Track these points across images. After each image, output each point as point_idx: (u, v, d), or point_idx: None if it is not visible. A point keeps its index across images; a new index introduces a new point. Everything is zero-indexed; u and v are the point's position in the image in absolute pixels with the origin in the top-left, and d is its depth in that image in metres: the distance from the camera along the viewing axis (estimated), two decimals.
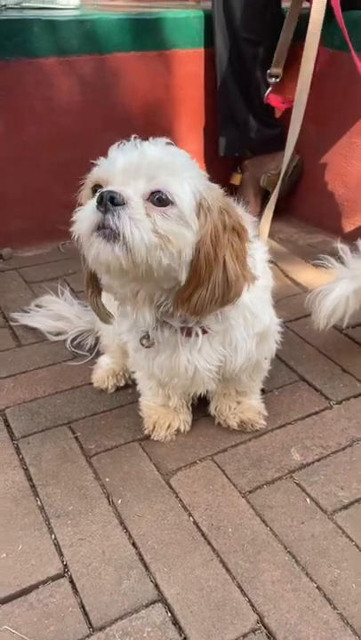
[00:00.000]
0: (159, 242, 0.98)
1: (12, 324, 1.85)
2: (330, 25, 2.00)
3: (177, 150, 1.06)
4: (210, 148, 2.56)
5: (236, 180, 2.58)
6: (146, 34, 2.24)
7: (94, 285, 1.17)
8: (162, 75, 2.35)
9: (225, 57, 2.30)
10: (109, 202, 0.95)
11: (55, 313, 1.82)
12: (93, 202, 0.98)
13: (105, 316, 1.19)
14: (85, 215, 1.00)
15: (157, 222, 0.98)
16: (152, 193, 0.98)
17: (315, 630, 1.01)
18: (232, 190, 2.56)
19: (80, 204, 1.08)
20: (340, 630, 1.01)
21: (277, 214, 2.52)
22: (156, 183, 0.98)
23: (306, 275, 2.17)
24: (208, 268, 1.04)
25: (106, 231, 0.97)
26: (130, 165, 0.99)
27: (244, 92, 2.35)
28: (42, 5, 2.20)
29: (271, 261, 1.44)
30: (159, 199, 0.98)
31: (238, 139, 2.44)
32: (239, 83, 2.33)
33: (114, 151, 1.04)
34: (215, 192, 1.06)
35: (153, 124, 2.42)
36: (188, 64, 2.38)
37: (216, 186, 1.08)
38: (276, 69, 2.15)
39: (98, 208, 0.96)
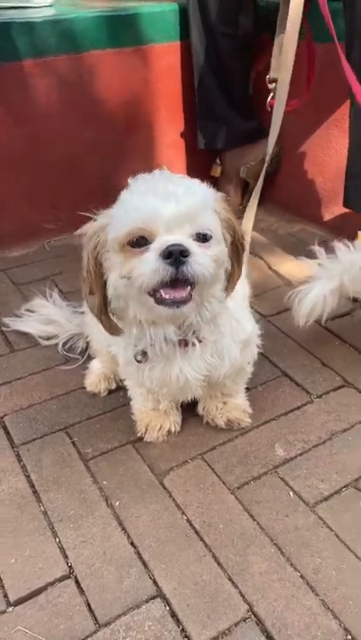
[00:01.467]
0: (215, 265, 1.11)
1: (3, 329, 1.91)
2: (308, 16, 2.02)
3: (197, 184, 1.13)
4: (189, 140, 2.60)
5: (215, 171, 2.62)
6: (121, 30, 2.25)
7: (106, 310, 1.22)
8: (139, 70, 2.36)
9: (201, 51, 2.31)
10: (180, 256, 1.04)
11: (45, 317, 1.88)
12: (155, 256, 1.05)
13: (117, 332, 1.26)
14: (152, 269, 1.05)
15: (208, 253, 1.10)
16: (196, 234, 1.09)
17: (299, 616, 1.12)
18: (212, 182, 2.60)
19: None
20: (322, 615, 1.12)
21: (258, 203, 2.58)
22: (199, 225, 1.09)
23: (287, 266, 2.25)
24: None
25: (177, 297, 1.09)
26: (173, 215, 1.06)
27: (222, 86, 2.38)
28: (16, 5, 2.18)
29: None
30: (200, 236, 1.09)
31: (217, 131, 2.47)
32: (217, 76, 2.35)
33: (145, 196, 1.08)
34: (223, 202, 1.19)
35: (133, 119, 2.45)
36: (165, 58, 2.39)
37: (221, 195, 1.20)
38: (274, 74, 2.13)
39: (166, 262, 1.04)
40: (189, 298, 1.10)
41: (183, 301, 1.09)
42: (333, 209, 2.49)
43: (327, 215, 2.54)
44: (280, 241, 2.46)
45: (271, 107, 1.91)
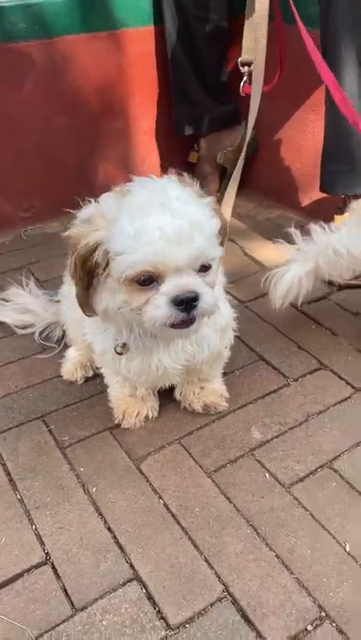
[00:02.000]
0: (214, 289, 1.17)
1: None
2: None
3: (201, 211, 1.10)
4: (165, 126, 2.57)
5: (193, 157, 2.61)
6: (94, 14, 2.22)
7: (88, 303, 1.22)
8: (113, 55, 2.34)
9: (175, 35, 2.29)
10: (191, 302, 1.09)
11: (21, 306, 1.86)
12: (166, 301, 1.08)
13: (93, 315, 1.25)
14: (164, 315, 1.09)
15: (207, 283, 1.14)
16: (201, 265, 1.11)
17: (274, 595, 1.13)
18: (190, 168, 2.59)
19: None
20: (297, 593, 1.13)
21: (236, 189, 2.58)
22: (204, 259, 1.11)
23: (263, 252, 2.25)
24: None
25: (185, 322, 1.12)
26: (184, 260, 1.07)
27: (197, 70, 2.36)
28: None
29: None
30: (204, 266, 1.12)
31: (193, 117, 2.46)
32: (191, 61, 2.34)
33: (153, 235, 1.04)
34: (214, 204, 1.19)
35: (108, 105, 2.42)
36: (139, 43, 2.36)
37: (211, 198, 1.19)
38: (247, 57, 2.09)
39: (178, 308, 1.09)
40: (195, 320, 1.14)
41: (191, 323, 1.14)
42: (312, 194, 2.49)
43: (306, 200, 2.54)
44: (258, 227, 2.46)
45: (246, 93, 1.88)
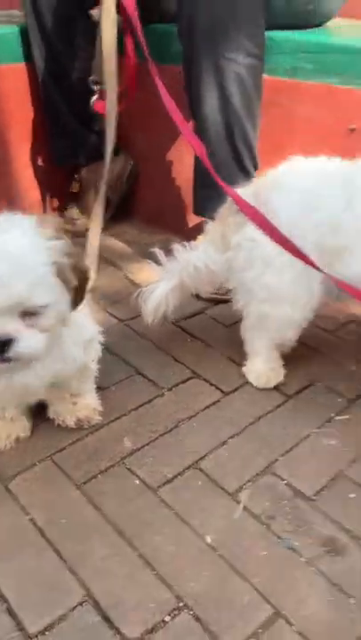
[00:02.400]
0: (47, 335, 1.17)
1: None
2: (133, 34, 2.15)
3: (29, 251, 1.11)
4: (45, 158, 2.64)
5: (75, 187, 2.68)
6: None
7: None
8: None
9: (45, 71, 2.37)
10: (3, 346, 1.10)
11: None
12: None
13: None
14: None
15: (39, 326, 1.14)
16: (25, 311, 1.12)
17: (134, 593, 1.16)
18: (73, 198, 2.67)
19: None
20: (157, 587, 1.17)
21: (121, 217, 2.69)
22: (30, 305, 1.12)
23: (143, 274, 2.33)
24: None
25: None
26: None
27: (69, 104, 2.45)
28: None
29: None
30: (32, 312, 1.13)
31: (70, 149, 2.54)
32: (62, 95, 2.43)
33: None
34: (67, 248, 1.19)
35: None
36: (11, 79, 2.43)
37: (63, 242, 1.18)
38: (96, 77, 2.23)
39: None
40: (11, 361, 1.15)
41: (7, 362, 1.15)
42: (191, 218, 2.63)
43: (188, 223, 2.67)
44: (142, 251, 2.55)
45: (97, 110, 2.04)
